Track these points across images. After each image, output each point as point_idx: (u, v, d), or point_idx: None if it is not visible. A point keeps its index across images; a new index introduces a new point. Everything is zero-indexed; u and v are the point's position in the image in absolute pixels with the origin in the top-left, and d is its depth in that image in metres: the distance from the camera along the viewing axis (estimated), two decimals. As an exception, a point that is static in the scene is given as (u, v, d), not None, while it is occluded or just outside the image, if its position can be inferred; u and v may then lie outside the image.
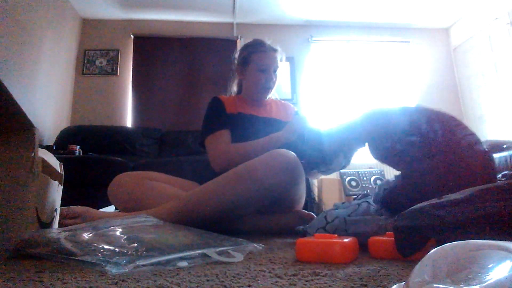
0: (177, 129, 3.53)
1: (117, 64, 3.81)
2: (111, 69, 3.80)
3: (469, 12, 3.87)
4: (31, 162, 0.69)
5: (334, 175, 3.56)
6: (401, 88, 4.12)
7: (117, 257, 0.54)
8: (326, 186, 3.40)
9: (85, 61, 3.78)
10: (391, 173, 3.13)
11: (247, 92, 1.53)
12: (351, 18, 3.98)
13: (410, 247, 0.63)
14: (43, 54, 3.06)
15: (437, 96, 4.05)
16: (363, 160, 3.18)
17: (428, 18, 4.01)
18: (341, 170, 3.45)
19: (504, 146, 2.45)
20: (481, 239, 0.33)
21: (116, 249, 0.58)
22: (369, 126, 0.97)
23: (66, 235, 0.64)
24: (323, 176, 3.50)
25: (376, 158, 0.99)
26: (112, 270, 0.50)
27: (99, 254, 0.55)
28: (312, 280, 0.49)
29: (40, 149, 0.74)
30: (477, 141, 0.83)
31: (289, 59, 3.92)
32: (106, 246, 0.58)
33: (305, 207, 1.41)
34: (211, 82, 3.74)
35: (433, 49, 4.19)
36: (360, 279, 0.50)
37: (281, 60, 1.51)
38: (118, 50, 3.84)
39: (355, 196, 1.20)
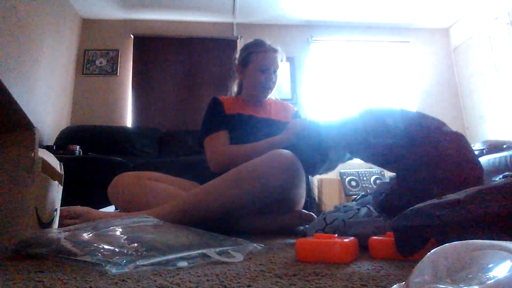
0: (177, 129, 3.53)
1: (117, 64, 3.81)
2: (111, 69, 3.80)
3: (469, 12, 3.87)
4: (31, 162, 0.69)
5: (334, 175, 3.56)
6: (401, 88, 4.13)
7: (117, 257, 0.54)
8: (326, 186, 3.40)
9: (85, 61, 3.78)
10: (391, 173, 3.14)
11: (247, 92, 1.53)
12: (351, 18, 3.98)
13: (410, 247, 0.63)
14: (43, 54, 3.06)
15: (437, 96, 4.05)
16: (363, 160, 3.18)
17: (428, 18, 4.02)
18: (341, 170, 3.45)
19: (504, 146, 2.45)
20: (481, 239, 0.33)
21: (116, 249, 0.58)
22: (365, 123, 0.97)
23: (66, 235, 0.64)
24: (323, 176, 3.52)
25: (368, 160, 1.00)
26: (112, 270, 0.50)
27: (99, 254, 0.55)
28: (312, 280, 0.49)
29: (40, 149, 0.74)
30: (468, 147, 0.84)
31: (289, 59, 3.92)
32: (106, 246, 0.58)
33: (305, 207, 1.41)
34: (211, 82, 3.74)
35: (433, 49, 4.19)
36: (360, 279, 0.50)
37: (281, 61, 1.50)
38: (118, 50, 3.84)
39: (355, 197, 1.20)
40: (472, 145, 0.94)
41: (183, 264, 0.57)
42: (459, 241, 0.33)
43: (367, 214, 0.87)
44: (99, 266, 0.52)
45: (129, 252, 0.56)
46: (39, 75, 3.01)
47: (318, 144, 1.14)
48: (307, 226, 0.97)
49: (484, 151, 2.57)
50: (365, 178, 3.39)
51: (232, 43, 3.91)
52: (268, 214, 1.23)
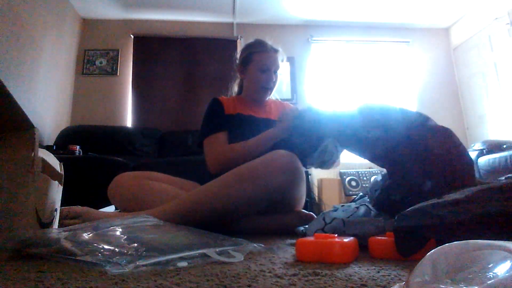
0: (177, 129, 3.53)
1: (117, 64, 3.81)
2: (111, 69, 3.80)
3: (469, 12, 3.87)
4: (31, 162, 0.69)
5: (334, 175, 3.56)
6: (401, 88, 4.13)
7: (117, 257, 0.54)
8: (326, 186, 3.40)
9: (85, 61, 3.78)
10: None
11: (247, 92, 1.53)
12: (351, 18, 3.98)
13: (410, 247, 0.63)
14: (43, 54, 3.06)
15: (437, 96, 4.05)
16: (363, 160, 3.18)
17: (428, 18, 4.02)
18: (341, 170, 3.45)
19: (504, 146, 2.45)
20: (481, 239, 0.33)
21: (116, 249, 0.58)
22: (356, 117, 0.98)
23: (66, 235, 0.64)
24: (323, 176, 3.52)
25: (358, 154, 1.00)
26: (112, 270, 0.50)
27: (99, 254, 0.55)
28: (312, 280, 0.49)
29: (40, 149, 0.74)
30: (452, 136, 0.85)
31: (289, 59, 3.92)
32: (106, 246, 0.58)
33: (305, 207, 1.41)
34: (211, 82, 3.74)
35: (433, 49, 4.19)
36: (360, 279, 0.50)
37: (282, 61, 1.51)
38: (118, 50, 3.84)
39: (354, 197, 1.20)
40: (472, 145, 0.94)
41: (183, 264, 0.57)
42: (459, 241, 0.33)
43: (366, 212, 0.87)
44: (99, 266, 0.52)
45: (129, 252, 0.56)
46: (39, 75, 3.01)
47: (310, 131, 1.13)
48: (307, 226, 0.97)
49: (484, 151, 2.57)
50: (365, 178, 3.39)
51: (232, 43, 3.91)
52: (268, 214, 1.23)
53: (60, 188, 0.86)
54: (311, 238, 0.67)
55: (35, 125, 0.72)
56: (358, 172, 3.43)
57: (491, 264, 0.28)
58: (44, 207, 0.75)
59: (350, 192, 3.29)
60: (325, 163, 1.16)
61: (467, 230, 0.57)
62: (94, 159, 2.53)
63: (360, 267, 0.58)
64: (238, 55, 1.57)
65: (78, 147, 2.72)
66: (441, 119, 0.93)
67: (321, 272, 0.53)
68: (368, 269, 0.57)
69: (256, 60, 1.46)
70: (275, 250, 0.77)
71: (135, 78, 3.77)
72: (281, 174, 1.08)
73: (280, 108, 1.57)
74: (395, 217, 0.68)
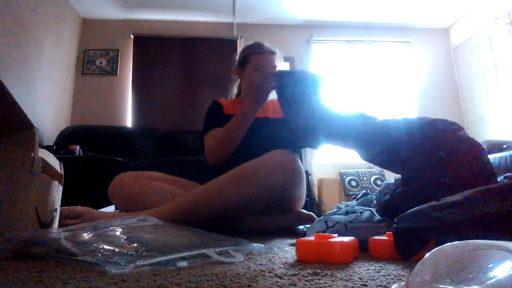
0: (177, 129, 3.53)
1: (117, 64, 3.81)
2: (111, 69, 3.80)
3: (469, 12, 3.87)
4: (31, 162, 0.69)
5: (334, 175, 3.56)
6: (401, 88, 4.13)
7: (117, 257, 0.54)
8: (326, 186, 3.40)
9: (85, 61, 3.78)
10: (391, 173, 3.13)
11: (245, 93, 1.54)
12: (351, 18, 3.98)
13: (410, 249, 0.63)
14: (43, 54, 3.06)
15: (437, 96, 4.05)
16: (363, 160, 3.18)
17: (428, 18, 4.02)
18: (341, 170, 3.45)
19: (504, 146, 2.45)
20: (481, 239, 0.33)
21: (116, 249, 0.58)
22: (370, 123, 0.96)
23: (66, 235, 0.64)
24: (323, 176, 3.52)
25: (370, 160, 0.98)
26: (112, 270, 0.50)
27: (99, 254, 0.55)
28: (312, 280, 0.49)
29: (40, 149, 0.74)
30: (482, 152, 0.81)
31: (289, 59, 3.92)
32: (106, 246, 0.58)
33: (305, 207, 1.41)
34: (211, 82, 3.74)
35: (433, 49, 4.19)
36: (360, 279, 0.50)
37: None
38: (118, 50, 3.84)
39: (355, 196, 1.19)
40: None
41: (183, 264, 0.57)
42: (459, 241, 0.33)
43: (369, 217, 0.86)
44: (99, 266, 0.52)
45: (129, 252, 0.56)
46: (39, 75, 3.01)
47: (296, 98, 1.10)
48: (307, 226, 0.97)
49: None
50: (365, 178, 3.39)
51: (232, 43, 3.91)
52: (268, 214, 1.23)
53: (60, 188, 0.86)
54: (311, 238, 0.67)
55: (35, 125, 0.72)
56: (358, 172, 3.43)
57: (491, 264, 0.28)
58: (44, 207, 0.75)
59: (350, 192, 3.29)
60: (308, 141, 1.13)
61: (467, 231, 0.57)
62: (94, 159, 2.53)
63: (360, 267, 0.58)
64: (237, 57, 1.59)
65: (78, 147, 2.72)
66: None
67: (321, 272, 0.53)
68: (368, 269, 0.57)
69: (253, 61, 1.48)
70: (275, 250, 0.77)
71: (135, 78, 3.77)
72: (280, 174, 1.08)
73: (277, 106, 1.57)
74: (395, 219, 0.68)
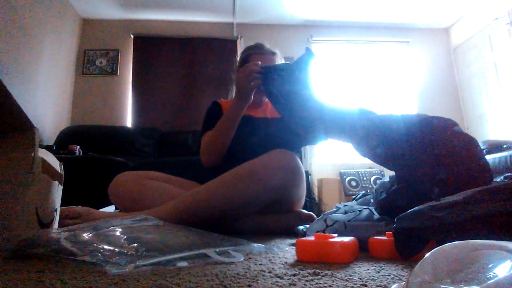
0: (176, 129, 3.53)
1: (117, 64, 3.81)
2: (111, 69, 3.80)
3: (469, 12, 3.87)
4: (31, 162, 0.69)
5: (334, 175, 3.56)
6: (401, 88, 4.13)
7: (117, 257, 0.54)
8: (326, 186, 3.40)
9: (85, 61, 3.78)
10: (391, 172, 3.13)
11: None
12: (351, 18, 3.98)
13: (410, 249, 0.63)
14: (43, 54, 3.06)
15: (437, 96, 4.05)
16: (363, 160, 3.18)
17: (428, 18, 4.02)
18: (341, 170, 3.45)
19: (504, 146, 2.45)
20: (481, 239, 0.33)
21: (116, 249, 0.58)
22: (366, 119, 0.95)
23: (66, 235, 0.64)
24: (323, 176, 3.52)
25: (365, 155, 0.97)
26: (112, 270, 0.50)
27: (99, 254, 0.55)
28: (312, 280, 0.49)
29: (40, 149, 0.74)
30: (476, 147, 0.81)
31: (289, 59, 3.91)
32: (106, 246, 0.58)
33: (305, 207, 1.41)
34: (211, 82, 3.74)
35: (433, 49, 4.19)
36: (360, 279, 0.50)
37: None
38: (118, 50, 3.84)
39: (355, 196, 1.19)
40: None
41: (183, 264, 0.57)
42: (459, 241, 0.33)
43: (368, 216, 0.86)
44: (99, 266, 0.52)
45: (129, 252, 0.56)
46: (39, 75, 3.01)
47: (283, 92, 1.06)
48: (307, 226, 0.97)
49: (484, 151, 2.57)
50: (365, 178, 3.39)
51: (232, 43, 3.91)
52: (268, 214, 1.23)
53: (60, 188, 0.86)
54: (311, 238, 0.67)
55: (35, 125, 0.72)
56: (358, 172, 3.43)
57: (491, 264, 0.28)
58: (44, 207, 0.75)
59: (350, 192, 3.29)
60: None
61: (467, 231, 0.57)
62: (94, 159, 2.53)
63: (360, 267, 0.58)
64: (238, 59, 1.59)
65: (78, 147, 2.72)
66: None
67: (321, 272, 0.53)
68: (368, 269, 0.57)
69: (253, 61, 1.47)
70: (275, 250, 0.77)
71: (135, 78, 3.77)
72: (280, 173, 1.08)
73: None
74: (395, 219, 0.68)
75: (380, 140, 0.90)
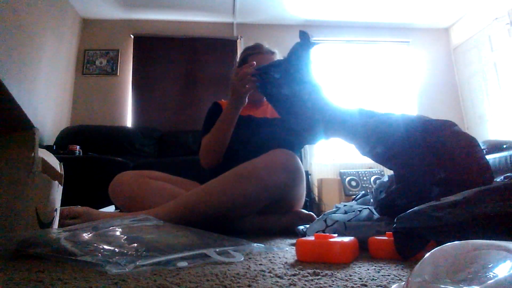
0: (177, 129, 3.53)
1: (117, 64, 3.81)
2: (111, 69, 3.80)
3: (469, 12, 3.87)
4: (31, 162, 0.69)
5: (334, 175, 3.56)
6: (401, 88, 4.13)
7: (117, 257, 0.54)
8: (326, 186, 3.40)
9: (85, 61, 3.78)
10: (390, 173, 3.13)
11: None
12: (351, 18, 3.98)
13: (410, 249, 0.63)
14: (43, 54, 3.06)
15: (437, 96, 4.05)
16: (363, 160, 3.18)
17: (428, 18, 4.02)
18: (341, 170, 3.45)
19: (504, 146, 2.45)
20: (481, 239, 0.33)
21: (116, 249, 0.58)
22: (365, 117, 0.95)
23: (66, 235, 0.64)
24: (323, 176, 3.52)
25: (364, 154, 0.97)
26: (112, 270, 0.50)
27: (99, 254, 0.55)
28: (312, 280, 0.49)
29: (40, 149, 0.74)
30: (476, 147, 0.81)
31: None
32: (106, 246, 0.58)
33: (305, 207, 1.41)
34: (211, 82, 3.74)
35: (433, 49, 4.19)
36: (360, 279, 0.50)
37: None
38: (118, 50, 3.84)
39: (355, 196, 1.19)
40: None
41: (183, 264, 0.57)
42: (459, 241, 0.33)
43: (368, 216, 0.86)
44: (99, 266, 0.52)
45: (129, 252, 0.56)
46: (39, 75, 3.01)
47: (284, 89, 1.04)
48: (307, 226, 0.97)
49: (484, 151, 2.57)
50: (365, 178, 3.39)
51: (232, 43, 3.91)
52: (268, 214, 1.23)
53: (60, 188, 0.86)
54: (311, 238, 0.67)
55: (35, 125, 0.72)
56: (358, 172, 3.43)
57: (491, 264, 0.28)
58: (44, 207, 0.75)
59: (350, 192, 3.29)
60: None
61: (467, 231, 0.57)
62: (94, 159, 2.53)
63: (360, 267, 0.58)
64: (237, 60, 1.59)
65: (78, 147, 2.72)
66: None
67: (321, 272, 0.53)
68: (368, 269, 0.57)
69: (252, 61, 1.47)
70: (275, 250, 0.77)
71: (135, 78, 3.77)
72: (280, 173, 1.08)
73: None
74: (395, 219, 0.68)
75: (380, 139, 0.90)
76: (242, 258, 0.63)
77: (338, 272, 0.54)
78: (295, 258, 0.66)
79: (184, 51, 3.86)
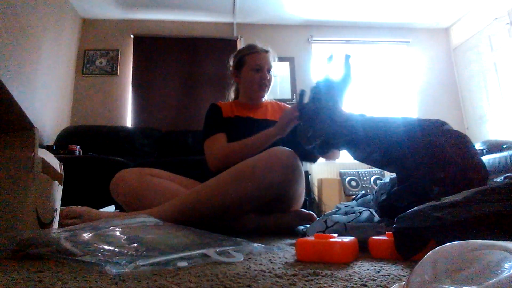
0: (177, 129, 3.53)
1: (117, 64, 3.81)
2: (111, 69, 3.80)
3: (469, 12, 3.87)
4: (31, 162, 0.69)
5: (334, 175, 3.56)
6: (401, 88, 4.12)
7: (117, 257, 0.54)
8: (326, 186, 3.40)
9: (85, 61, 3.78)
10: (391, 174, 3.13)
11: (243, 95, 1.55)
12: (351, 18, 3.98)
13: (410, 249, 0.63)
14: (43, 54, 3.05)
15: (437, 96, 4.05)
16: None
17: (428, 18, 4.01)
18: (341, 170, 3.45)
19: (504, 146, 2.45)
20: (481, 239, 0.33)
21: (116, 249, 0.58)
22: (365, 123, 0.96)
23: (66, 235, 0.64)
24: (323, 176, 3.52)
25: (363, 160, 0.98)
26: (112, 270, 0.50)
27: (99, 254, 0.55)
28: (312, 280, 0.49)
29: (40, 149, 0.74)
30: (468, 144, 0.82)
31: (289, 59, 3.92)
32: (106, 246, 0.58)
33: (305, 207, 1.41)
34: (211, 82, 3.74)
35: (433, 49, 4.19)
36: (360, 279, 0.50)
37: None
38: (118, 50, 3.84)
39: (355, 196, 1.19)
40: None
41: (183, 264, 0.57)
42: (459, 241, 0.33)
43: (369, 218, 0.86)
44: (99, 266, 0.52)
45: (129, 252, 0.56)
46: (39, 75, 3.00)
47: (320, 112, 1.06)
48: (307, 226, 0.97)
49: (484, 151, 2.57)
50: (365, 178, 3.39)
51: (232, 43, 3.91)
52: (268, 214, 1.23)
53: (60, 188, 0.86)
54: (311, 238, 0.67)
55: (35, 125, 0.72)
56: (358, 172, 3.43)
57: (491, 264, 0.28)
58: (44, 207, 0.75)
59: (350, 192, 3.29)
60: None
61: (467, 231, 0.57)
62: (94, 159, 2.53)
63: (360, 267, 0.58)
64: (231, 62, 1.59)
65: (78, 147, 2.72)
66: (441, 119, 0.91)
67: (321, 272, 0.53)
68: (368, 269, 0.57)
69: (249, 61, 1.49)
70: (275, 250, 0.77)
71: (135, 78, 3.77)
72: (279, 171, 1.09)
73: (277, 108, 1.58)
74: (395, 219, 0.68)
75: (375, 145, 0.91)
76: (242, 258, 0.63)
77: (338, 272, 0.54)
78: (295, 258, 0.66)
79: (184, 51, 3.86)
